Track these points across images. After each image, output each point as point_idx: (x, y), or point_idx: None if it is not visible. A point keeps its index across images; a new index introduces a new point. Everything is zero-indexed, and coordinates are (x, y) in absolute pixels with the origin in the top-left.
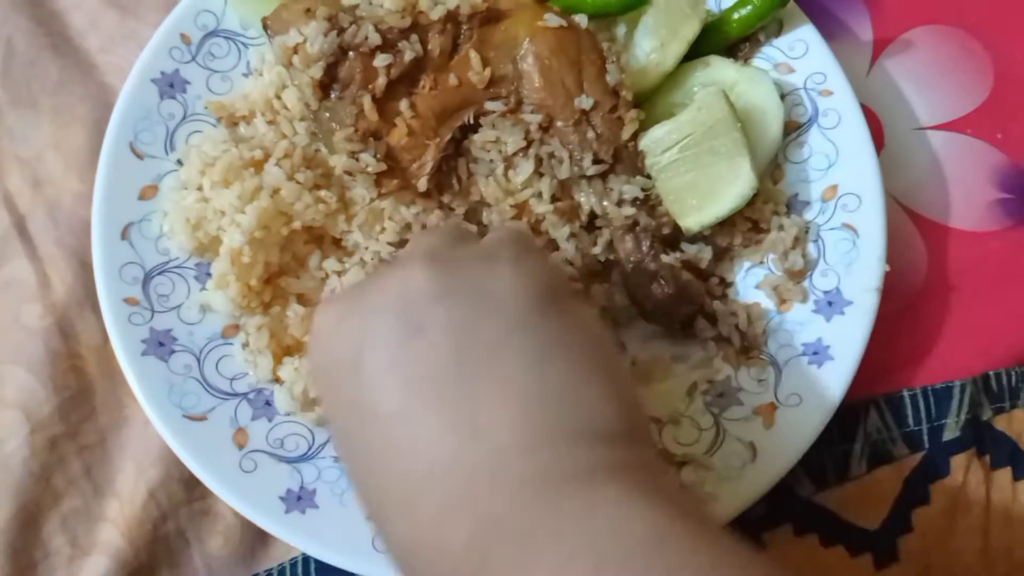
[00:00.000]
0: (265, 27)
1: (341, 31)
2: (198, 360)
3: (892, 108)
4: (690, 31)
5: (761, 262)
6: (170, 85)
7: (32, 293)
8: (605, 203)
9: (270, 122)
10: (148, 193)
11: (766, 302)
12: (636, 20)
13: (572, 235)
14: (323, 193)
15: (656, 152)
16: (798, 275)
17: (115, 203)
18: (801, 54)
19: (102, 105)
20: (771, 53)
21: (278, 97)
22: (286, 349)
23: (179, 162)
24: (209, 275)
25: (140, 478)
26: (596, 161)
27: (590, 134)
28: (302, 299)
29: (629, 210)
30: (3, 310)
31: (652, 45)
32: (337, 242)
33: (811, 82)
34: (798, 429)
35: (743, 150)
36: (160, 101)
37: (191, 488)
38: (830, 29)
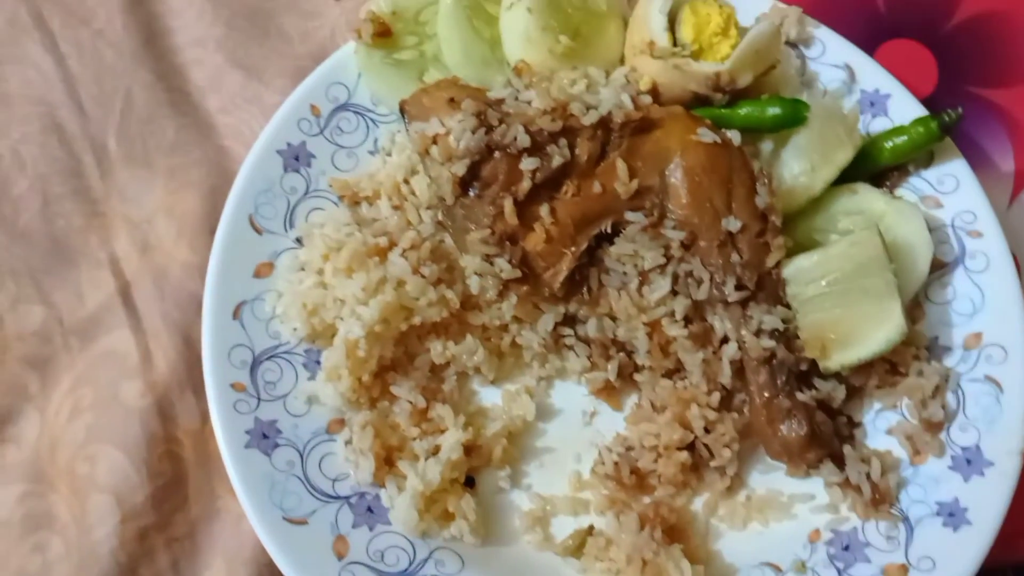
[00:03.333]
0: (402, 111)
1: (489, 129)
2: (301, 456)
3: None
4: (843, 158)
5: (894, 406)
6: (295, 158)
7: (133, 368)
8: (743, 331)
9: (395, 207)
10: (264, 271)
11: (898, 451)
12: (786, 138)
13: (704, 360)
14: (447, 292)
15: (800, 282)
16: (936, 427)
17: (230, 279)
18: (951, 190)
19: (218, 169)
20: (919, 184)
21: (406, 181)
22: (389, 450)
23: (298, 240)
24: (318, 363)
25: None
26: (739, 287)
27: (734, 257)
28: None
29: (768, 342)
30: (102, 384)
31: (802, 167)
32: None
33: (959, 220)
34: None
35: (895, 293)
36: (284, 174)
37: None
38: (971, 157)
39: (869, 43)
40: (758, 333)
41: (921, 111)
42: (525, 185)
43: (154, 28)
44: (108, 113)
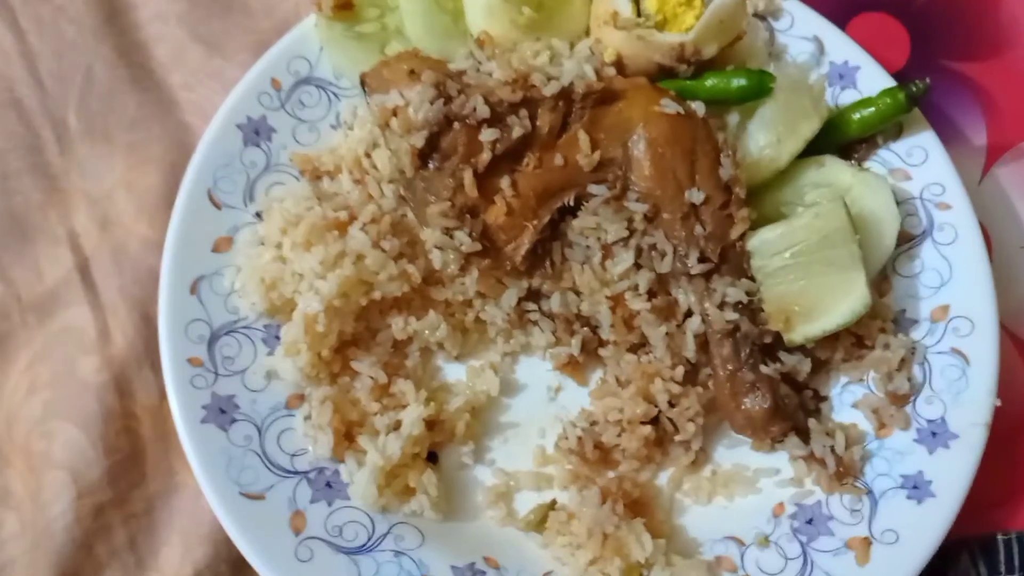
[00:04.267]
0: (363, 83)
1: (448, 100)
2: (259, 431)
3: (1002, 222)
4: (809, 129)
5: (861, 379)
6: (255, 132)
7: (91, 344)
8: (706, 304)
9: (357, 181)
10: (222, 245)
11: (864, 424)
12: (751, 110)
13: (668, 334)
14: (408, 267)
15: (765, 255)
16: (902, 399)
17: (187, 254)
18: (920, 162)
19: (179, 145)
20: (887, 157)
21: (367, 155)
22: (349, 425)
23: (258, 215)
24: (278, 338)
25: (186, 556)
26: (702, 259)
27: (698, 230)
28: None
29: (731, 315)
30: (59, 359)
31: (767, 139)
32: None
33: (928, 193)
34: (893, 571)
35: (859, 264)
36: (243, 148)
37: (238, 570)
38: (943, 131)
39: (841, 16)
40: (722, 306)
41: (890, 83)
42: (485, 156)
43: (116, 4)
44: (68, 89)
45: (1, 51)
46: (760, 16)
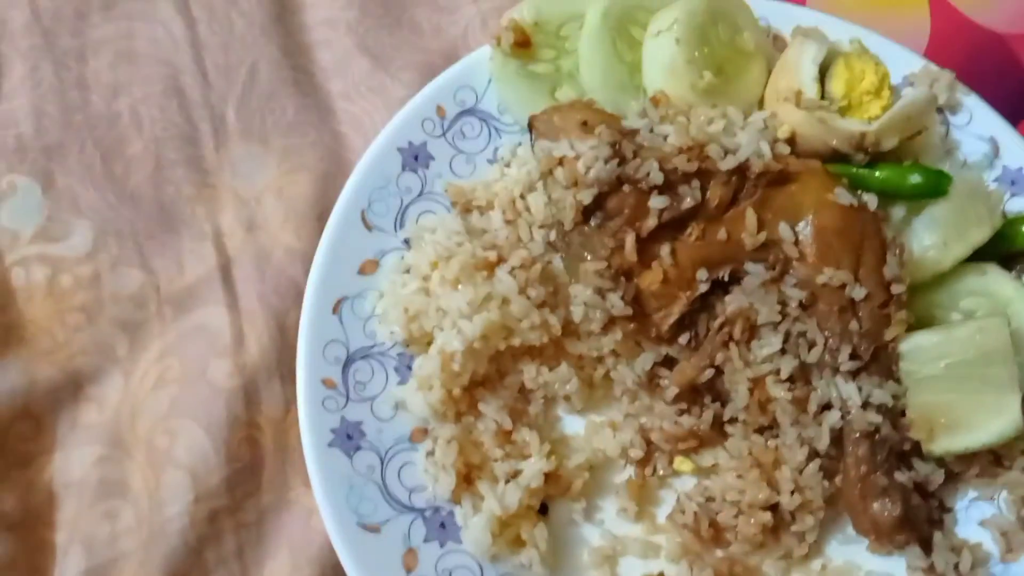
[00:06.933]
0: (531, 126)
1: (623, 160)
2: (382, 462)
3: None
4: (979, 237)
5: (991, 498)
6: (415, 157)
7: (225, 347)
8: (849, 402)
9: (508, 221)
10: (368, 268)
11: (989, 544)
12: (920, 207)
13: (798, 423)
14: (550, 317)
15: (917, 360)
16: None
17: (334, 272)
18: None
19: (332, 156)
20: None
21: (522, 196)
22: (469, 468)
23: (406, 241)
24: (409, 368)
25: (293, 574)
26: (853, 356)
27: (853, 325)
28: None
29: (874, 417)
30: (190, 358)
31: (933, 240)
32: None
33: None
34: None
35: (1016, 386)
36: (401, 172)
37: None
38: None
39: (1016, 111)
40: (865, 406)
41: None
42: (651, 223)
43: (287, 3)
44: (231, 84)
45: (171, 38)
46: (938, 108)
